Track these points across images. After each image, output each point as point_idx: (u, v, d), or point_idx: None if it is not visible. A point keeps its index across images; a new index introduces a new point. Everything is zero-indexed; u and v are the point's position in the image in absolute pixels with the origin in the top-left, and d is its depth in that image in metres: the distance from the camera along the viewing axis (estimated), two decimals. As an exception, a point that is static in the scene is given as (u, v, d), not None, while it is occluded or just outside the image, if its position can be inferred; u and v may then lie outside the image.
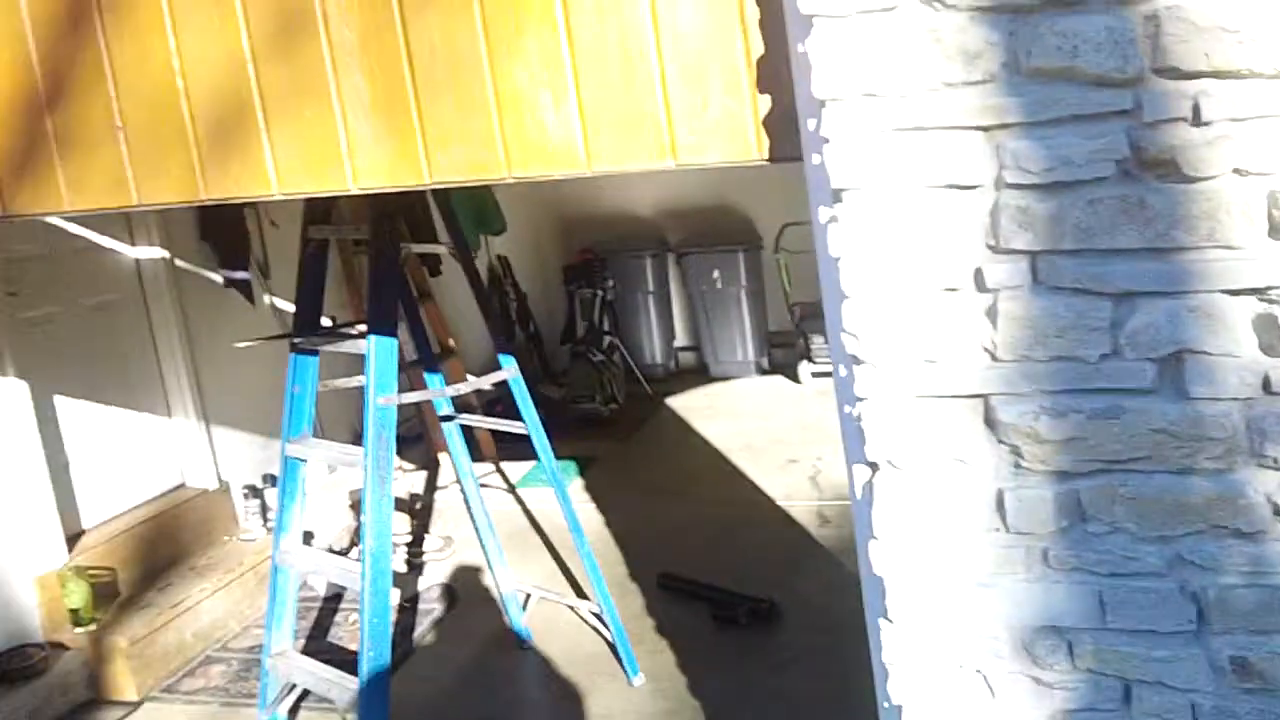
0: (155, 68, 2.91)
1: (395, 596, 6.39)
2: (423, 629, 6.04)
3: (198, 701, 5.52)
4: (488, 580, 5.78)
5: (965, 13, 2.13)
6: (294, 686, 4.80)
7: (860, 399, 2.28)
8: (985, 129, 2.15)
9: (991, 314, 2.19)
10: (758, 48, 2.45)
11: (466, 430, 5.65)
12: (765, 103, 2.47)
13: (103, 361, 6.53)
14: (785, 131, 2.44)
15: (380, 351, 4.24)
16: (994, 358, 2.20)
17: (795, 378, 10.26)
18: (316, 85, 2.77)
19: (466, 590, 6.46)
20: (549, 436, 5.21)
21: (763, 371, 10.94)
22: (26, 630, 5.67)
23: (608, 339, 10.70)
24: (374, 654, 4.08)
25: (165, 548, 6.57)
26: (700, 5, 2.48)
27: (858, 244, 2.24)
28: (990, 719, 2.32)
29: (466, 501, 5.58)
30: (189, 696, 5.61)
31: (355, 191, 2.85)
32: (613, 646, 5.30)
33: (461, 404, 6.32)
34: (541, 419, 5.21)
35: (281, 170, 2.87)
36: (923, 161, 2.18)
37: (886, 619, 2.34)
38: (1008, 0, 2.11)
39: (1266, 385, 2.10)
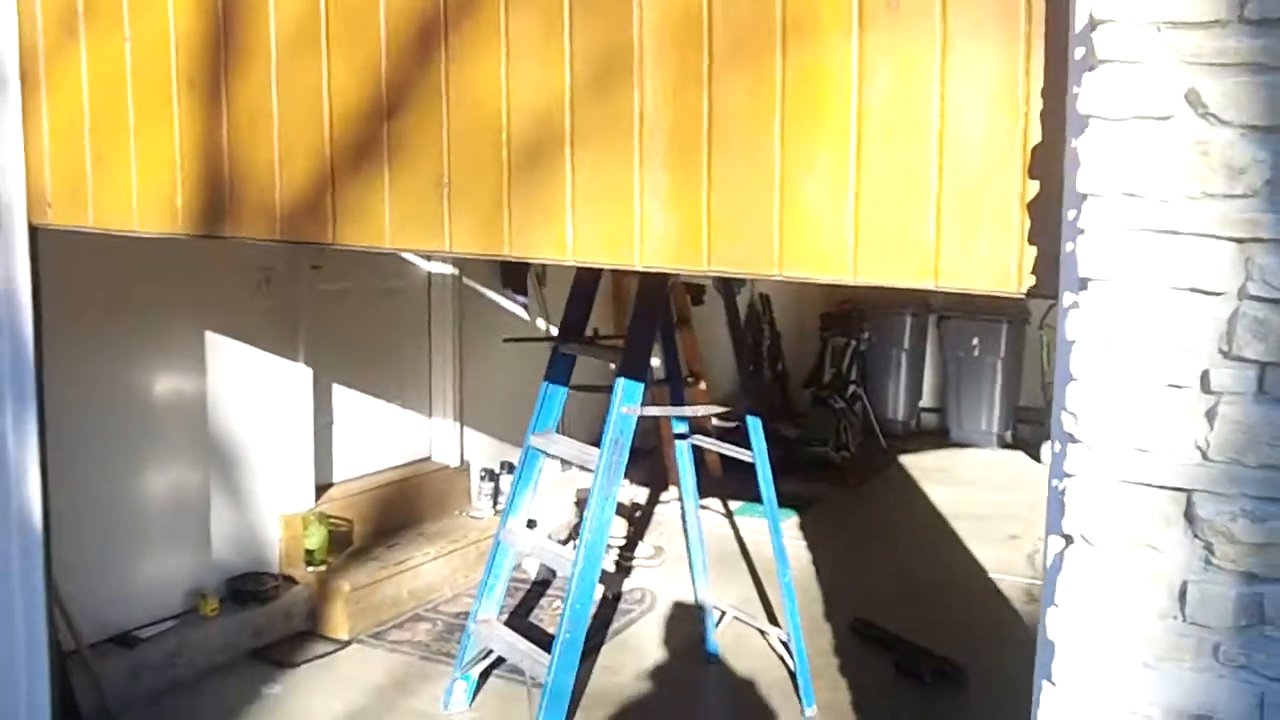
0: (483, 138, 3.24)
1: (599, 591, 6.71)
2: (618, 625, 6.32)
3: (399, 651, 5.97)
4: (689, 593, 6.01)
5: (1237, 129, 2.24)
6: (489, 653, 5.12)
7: (1068, 475, 2.41)
8: (1239, 240, 2.25)
9: (1211, 415, 2.28)
10: (1033, 191, 2.61)
11: (697, 453, 5.89)
12: (1032, 248, 2.63)
13: (381, 337, 7.16)
14: (1048, 273, 2.60)
15: (631, 365, 4.52)
16: (1205, 456, 2.29)
17: (1036, 456, 10.17)
18: (622, 175, 3.07)
19: (667, 598, 6.70)
20: (777, 474, 5.40)
21: (1004, 445, 10.88)
22: (266, 560, 6.29)
23: (852, 388, 10.81)
24: (570, 635, 4.36)
25: (401, 511, 7.12)
26: (983, 149, 2.66)
27: (1094, 331, 2.36)
28: (1138, 796, 2.41)
29: (684, 517, 5.82)
30: (393, 645, 6.09)
31: (639, 269, 3.15)
32: (794, 676, 5.45)
33: (697, 427, 6.56)
34: (773, 456, 5.40)
35: (579, 239, 3.18)
36: (1171, 263, 2.30)
37: (1050, 681, 2.45)
38: (1278, 121, 2.21)
39: None
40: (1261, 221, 2.23)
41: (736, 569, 7.23)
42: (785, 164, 2.87)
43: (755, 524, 7.65)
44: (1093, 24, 2.37)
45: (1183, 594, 2.33)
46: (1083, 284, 2.39)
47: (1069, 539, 2.42)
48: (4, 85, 3.85)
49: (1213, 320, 2.28)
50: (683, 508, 5.87)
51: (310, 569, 6.31)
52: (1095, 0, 2.37)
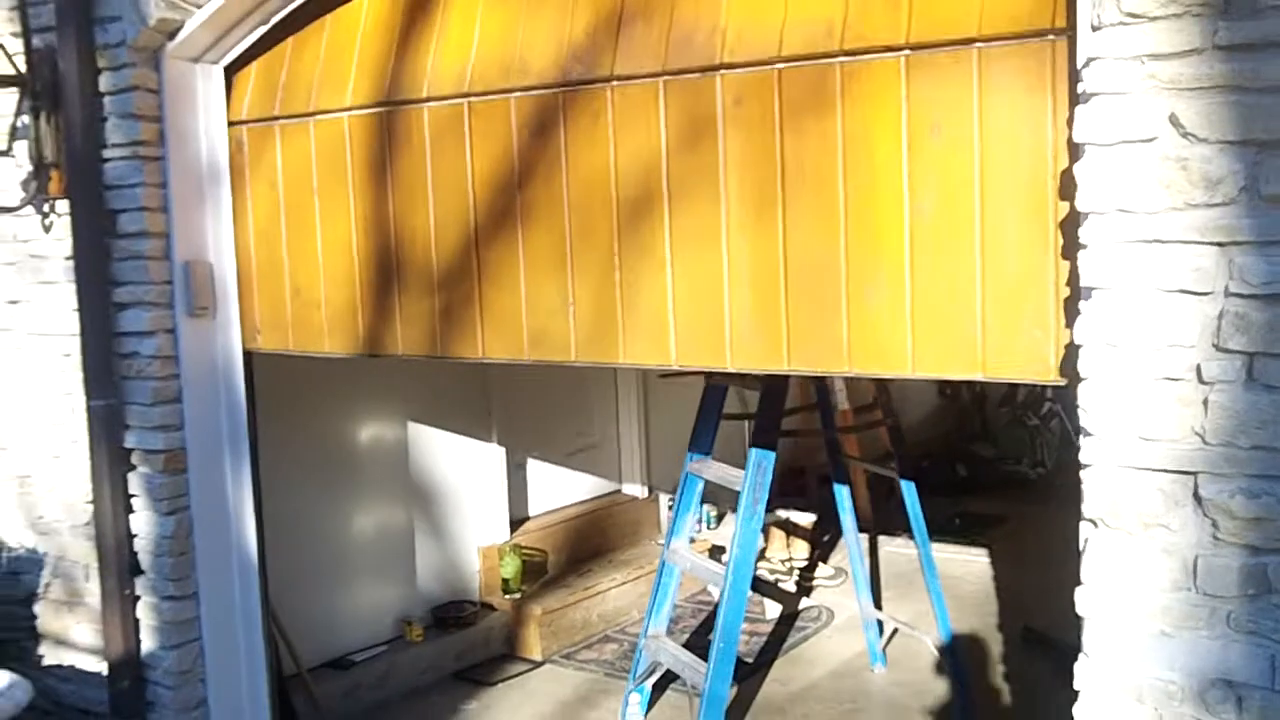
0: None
1: (776, 610, 7.04)
2: (793, 641, 6.64)
3: (587, 670, 6.43)
4: (864, 610, 6.28)
5: (1213, 145, 2.50)
6: (662, 667, 5.51)
7: (1085, 465, 2.68)
8: (1220, 244, 2.50)
9: (1206, 403, 2.52)
10: (1065, 290, 2.89)
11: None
12: (1068, 336, 2.87)
13: (570, 383, 7.68)
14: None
15: (769, 398, 4.89)
16: (1204, 441, 2.53)
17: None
18: (713, 296, 3.47)
19: (844, 616, 6.97)
20: (973, 493, 5.64)
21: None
22: (467, 589, 6.86)
23: (1047, 405, 10.82)
24: (724, 645, 4.70)
25: (593, 540, 7.63)
26: (1019, 253, 2.98)
27: (1099, 334, 2.64)
28: (1166, 752, 2.64)
29: (845, 535, 6.12)
30: (581, 664, 6.56)
31: (731, 370, 3.56)
32: (956, 684, 5.67)
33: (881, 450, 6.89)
34: (969, 475, 5.66)
35: (680, 347, 3.57)
36: (1162, 268, 2.56)
37: (1083, 653, 2.71)
38: (1252, 136, 2.47)
39: None
40: (1239, 226, 2.48)
41: (916, 586, 7.43)
42: (849, 277, 3.24)
43: (944, 548, 7.81)
44: (1086, 63, 2.66)
45: (1194, 568, 2.57)
46: (1087, 293, 2.66)
47: (1093, 523, 2.69)
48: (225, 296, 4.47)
49: (1202, 317, 2.53)
50: (843, 526, 6.15)
51: (507, 596, 6.85)
52: (1087, 42, 2.67)
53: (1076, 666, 2.74)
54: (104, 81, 4.22)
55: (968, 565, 7.87)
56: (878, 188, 3.17)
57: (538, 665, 6.55)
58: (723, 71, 3.38)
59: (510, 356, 3.92)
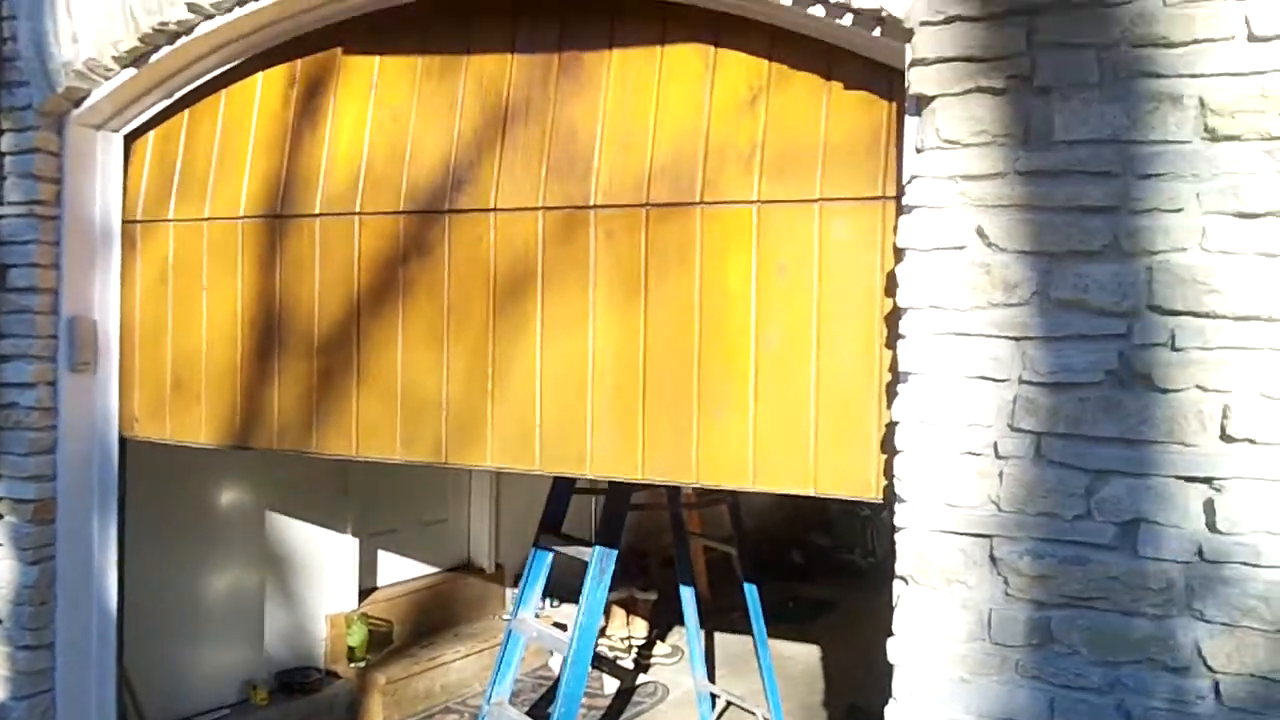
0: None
1: (614, 685, 7.31)
2: (629, 714, 6.94)
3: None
4: (698, 684, 6.59)
5: (1012, 254, 2.93)
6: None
7: (899, 528, 3.06)
8: (1015, 339, 2.92)
9: (1001, 475, 2.93)
10: (886, 417, 3.28)
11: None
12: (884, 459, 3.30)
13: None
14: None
15: (614, 500, 5.27)
16: (999, 508, 2.93)
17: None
18: (577, 409, 3.80)
19: (679, 691, 7.27)
20: (812, 580, 5.97)
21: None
22: (313, 655, 7.01)
23: (880, 497, 11.34)
24: (564, 711, 4.95)
25: (438, 613, 7.84)
26: (850, 385, 3.40)
27: (912, 412, 3.03)
28: (960, 783, 3.00)
29: (684, 612, 6.44)
30: None
31: (590, 476, 3.89)
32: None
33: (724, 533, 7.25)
34: (804, 563, 6.03)
35: (544, 455, 3.88)
36: (967, 358, 2.97)
37: (893, 698, 3.06)
38: (1044, 248, 2.90)
39: (1201, 553, 2.74)
40: (1031, 324, 2.91)
41: (751, 667, 7.78)
42: (701, 398, 3.62)
43: (778, 629, 8.17)
44: (909, 179, 3.08)
45: (989, 620, 2.94)
46: (904, 377, 3.06)
47: (904, 580, 3.05)
48: (107, 353, 4.66)
49: (999, 401, 2.94)
50: (683, 604, 6.47)
51: (352, 664, 7.01)
52: (911, 161, 3.10)
53: (886, 710, 3.09)
54: (6, 141, 4.44)
55: (798, 648, 8.24)
56: (730, 318, 3.57)
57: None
58: (597, 210, 3.76)
59: (383, 455, 4.17)
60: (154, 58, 4.33)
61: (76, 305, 4.53)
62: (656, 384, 3.69)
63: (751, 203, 3.54)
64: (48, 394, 4.48)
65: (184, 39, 4.25)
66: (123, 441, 4.72)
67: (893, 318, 3.18)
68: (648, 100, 3.72)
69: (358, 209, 4.15)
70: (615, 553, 5.16)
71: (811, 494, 3.50)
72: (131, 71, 4.36)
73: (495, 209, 3.92)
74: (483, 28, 4.01)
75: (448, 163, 4.01)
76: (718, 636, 8.46)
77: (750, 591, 6.15)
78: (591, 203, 3.77)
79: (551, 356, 3.84)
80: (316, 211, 4.22)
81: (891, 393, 3.17)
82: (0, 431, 4.47)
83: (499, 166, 3.92)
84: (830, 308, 3.44)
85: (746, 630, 6.40)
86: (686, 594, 6.44)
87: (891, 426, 3.14)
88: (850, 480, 3.41)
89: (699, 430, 3.62)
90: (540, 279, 3.85)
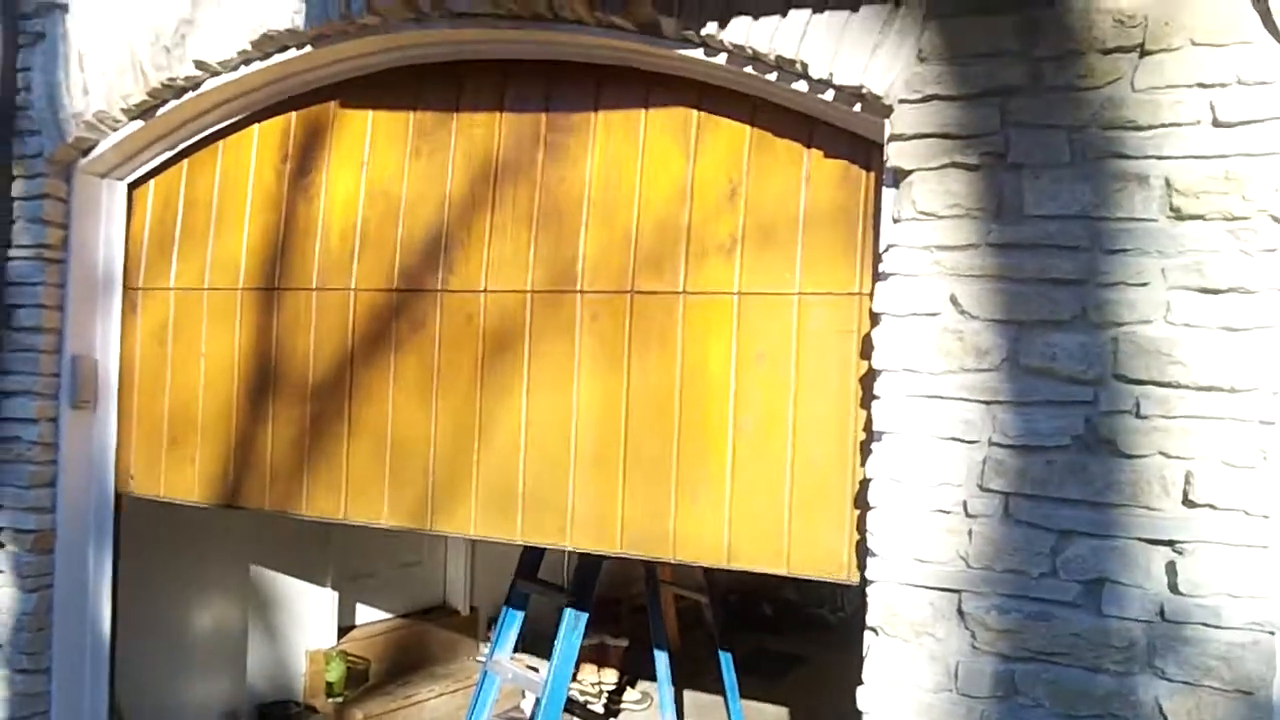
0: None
1: (581, 728, 7.40)
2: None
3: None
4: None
5: (984, 321, 3.07)
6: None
7: (870, 581, 3.17)
8: (985, 402, 3.05)
9: (970, 533, 3.05)
10: (861, 503, 3.40)
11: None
12: (858, 541, 3.44)
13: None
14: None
15: (585, 569, 5.37)
16: (967, 564, 3.05)
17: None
18: (559, 483, 3.93)
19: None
20: (781, 633, 6.09)
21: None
22: (292, 689, 7.16)
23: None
24: (563, 654, 5.07)
25: (415, 652, 7.99)
26: (823, 469, 3.55)
27: (885, 470, 3.16)
28: (927, 830, 3.11)
29: (654, 661, 6.54)
30: None
31: (569, 548, 4.00)
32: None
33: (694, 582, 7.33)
34: (774, 616, 6.15)
35: (525, 524, 4.01)
36: (938, 419, 3.10)
37: (862, 742, 3.18)
38: (1015, 316, 3.04)
39: (1163, 613, 2.86)
40: (1001, 388, 3.04)
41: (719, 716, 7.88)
42: (679, 479, 3.76)
43: (745, 680, 8.27)
44: (886, 248, 3.22)
45: (956, 672, 3.06)
46: (878, 436, 3.19)
47: (874, 630, 3.17)
48: (107, 392, 4.79)
49: (969, 461, 3.06)
50: (655, 653, 6.58)
51: (330, 699, 7.13)
52: (888, 231, 3.24)
53: (856, 756, 3.20)
54: (17, 188, 4.57)
55: (767, 707, 8.31)
56: (709, 403, 3.72)
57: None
58: (583, 294, 3.91)
59: (369, 520, 4.29)
60: (160, 111, 4.48)
61: (79, 345, 4.66)
62: (636, 461, 3.82)
63: (732, 294, 3.69)
64: (49, 430, 4.61)
65: (190, 94, 4.40)
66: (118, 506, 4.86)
67: (868, 404, 3.31)
68: (631, 185, 3.88)
69: (352, 285, 4.31)
70: (586, 615, 5.29)
71: (785, 574, 3.61)
72: (139, 124, 4.51)
73: (486, 290, 4.08)
74: (472, 89, 4.17)
75: (440, 230, 4.17)
76: (687, 691, 8.54)
77: (725, 660, 6.26)
78: (578, 287, 3.92)
79: (535, 429, 3.98)
80: (313, 285, 4.38)
81: (865, 485, 3.27)
82: (2, 464, 4.58)
83: (489, 241, 4.08)
84: (806, 395, 3.59)
85: (716, 688, 6.49)
86: (660, 657, 6.52)
87: (865, 485, 3.26)
88: (823, 562, 3.54)
89: (676, 507, 3.75)
90: (527, 354, 4.00)
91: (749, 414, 3.65)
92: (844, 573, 3.49)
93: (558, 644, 5.17)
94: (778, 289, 3.64)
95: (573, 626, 5.17)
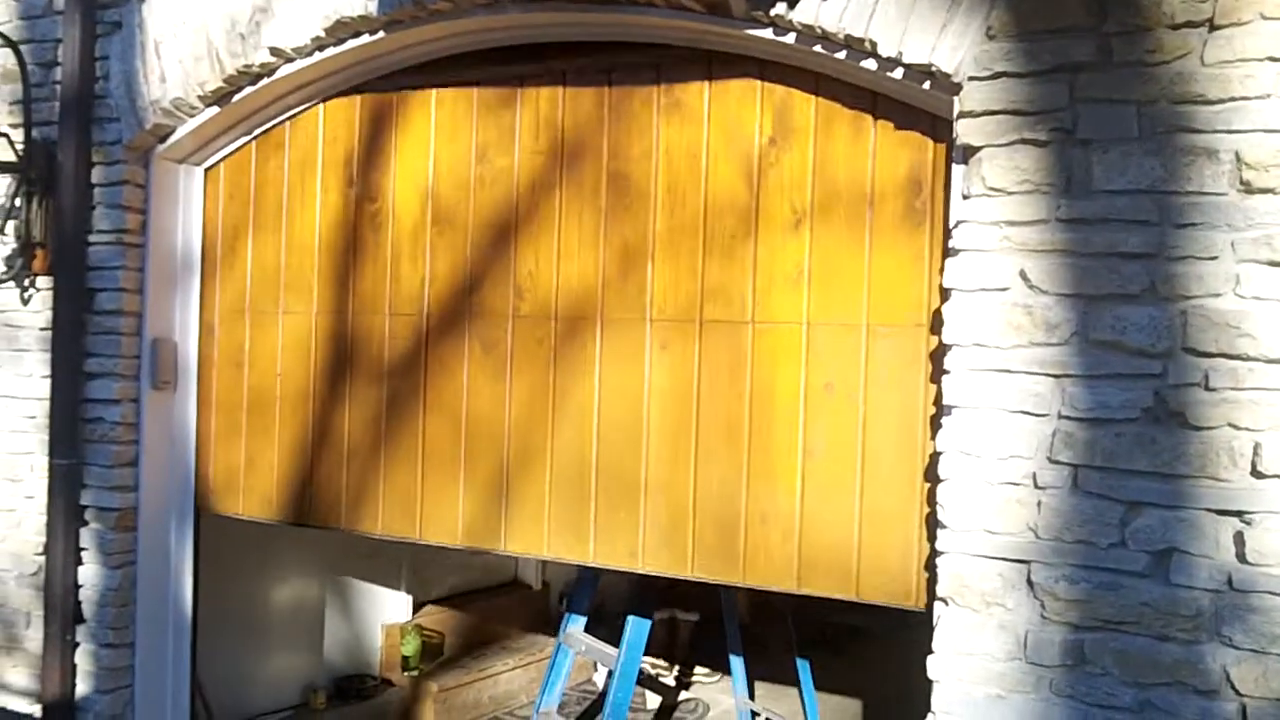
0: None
1: (656, 701, 7.50)
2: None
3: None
4: (739, 702, 6.76)
5: (1053, 296, 3.10)
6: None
7: (940, 552, 3.23)
8: (1055, 376, 3.09)
9: (1039, 505, 3.09)
10: (928, 533, 3.46)
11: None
12: (927, 574, 3.50)
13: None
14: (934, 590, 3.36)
15: (647, 582, 5.43)
16: (1036, 535, 3.09)
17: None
18: (631, 509, 4.02)
19: (720, 709, 7.44)
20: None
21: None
22: (369, 663, 7.26)
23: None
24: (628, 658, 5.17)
25: (490, 626, 8.01)
26: (892, 496, 3.60)
27: (955, 444, 3.20)
28: (997, 795, 3.17)
29: (727, 634, 6.61)
30: None
31: (641, 571, 4.08)
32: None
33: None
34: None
35: (598, 547, 4.10)
36: (1008, 393, 3.14)
37: (931, 713, 3.23)
38: (1084, 291, 3.07)
39: (1230, 582, 2.89)
40: (1070, 362, 3.08)
41: (789, 694, 7.92)
42: (749, 505, 3.82)
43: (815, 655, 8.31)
44: (955, 224, 3.26)
45: (1025, 641, 3.11)
46: (948, 410, 3.23)
47: (944, 601, 3.22)
48: (186, 374, 4.93)
49: (1039, 434, 3.11)
50: (726, 629, 6.64)
51: (405, 673, 7.27)
52: (958, 208, 3.28)
53: (926, 722, 3.26)
54: (96, 174, 4.70)
55: (833, 674, 8.35)
56: (777, 431, 3.78)
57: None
58: (653, 322, 3.99)
59: (443, 541, 4.41)
60: (236, 98, 4.59)
61: (159, 327, 4.79)
62: (706, 487, 3.89)
63: (800, 323, 3.76)
64: (131, 410, 4.74)
65: (265, 80, 4.51)
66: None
67: (937, 317, 3.38)
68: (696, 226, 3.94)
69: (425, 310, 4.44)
70: (647, 624, 5.39)
71: (855, 600, 3.67)
72: (214, 110, 4.62)
73: (555, 316, 4.18)
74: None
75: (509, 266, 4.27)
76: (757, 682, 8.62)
77: (803, 667, 6.41)
78: (648, 316, 4.00)
79: (606, 449, 4.07)
80: (387, 311, 4.52)
81: (933, 522, 3.32)
82: (87, 444, 4.71)
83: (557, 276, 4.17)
84: (875, 425, 3.64)
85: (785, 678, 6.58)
86: (731, 632, 6.58)
87: (934, 459, 3.31)
88: (892, 589, 3.60)
89: (746, 535, 3.82)
90: (598, 382, 4.08)
91: (818, 444, 3.72)
92: (912, 600, 3.55)
93: (629, 621, 5.27)
94: (844, 321, 3.71)
95: (637, 626, 5.29)
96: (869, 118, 3.66)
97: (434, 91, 4.41)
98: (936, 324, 3.41)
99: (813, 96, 3.74)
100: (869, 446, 3.63)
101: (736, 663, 6.60)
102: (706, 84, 3.91)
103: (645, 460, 3.98)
